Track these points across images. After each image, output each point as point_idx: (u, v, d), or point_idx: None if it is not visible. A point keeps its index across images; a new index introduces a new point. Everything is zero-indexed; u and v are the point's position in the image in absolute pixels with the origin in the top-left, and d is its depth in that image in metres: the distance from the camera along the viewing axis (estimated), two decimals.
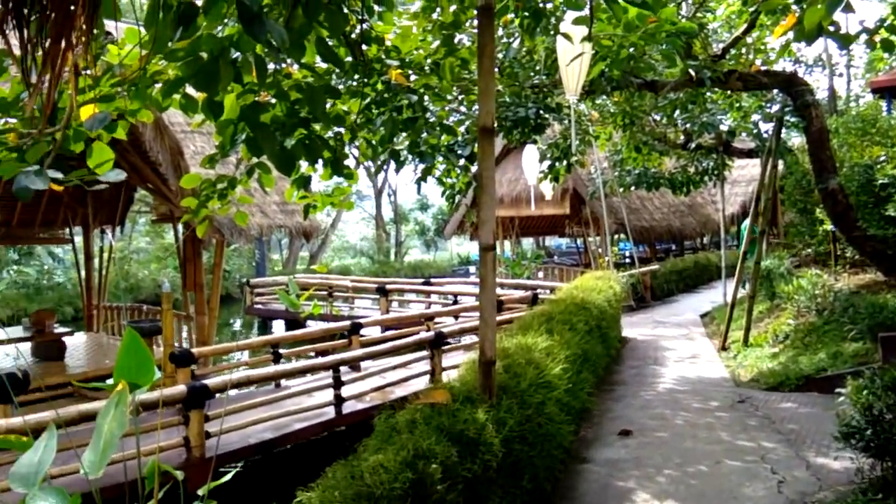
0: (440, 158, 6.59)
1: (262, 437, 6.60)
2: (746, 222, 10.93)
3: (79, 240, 13.36)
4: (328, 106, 3.84)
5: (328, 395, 7.26)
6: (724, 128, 11.22)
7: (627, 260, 22.52)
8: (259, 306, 17.85)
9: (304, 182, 4.25)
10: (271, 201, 11.36)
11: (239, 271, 27.76)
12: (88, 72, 2.42)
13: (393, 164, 5.02)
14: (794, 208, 12.29)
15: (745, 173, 23.33)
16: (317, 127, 3.62)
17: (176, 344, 9.77)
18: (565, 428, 4.91)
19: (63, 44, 1.43)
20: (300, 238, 12.44)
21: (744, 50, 9.16)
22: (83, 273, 12.78)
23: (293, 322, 16.66)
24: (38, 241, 14.96)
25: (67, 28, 1.42)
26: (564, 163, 9.55)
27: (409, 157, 5.74)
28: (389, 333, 10.64)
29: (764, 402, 7.12)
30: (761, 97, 11.04)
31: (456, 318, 11.44)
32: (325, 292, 15.98)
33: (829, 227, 10.60)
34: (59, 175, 2.14)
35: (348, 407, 7.36)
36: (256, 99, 3.18)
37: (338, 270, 29.45)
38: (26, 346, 9.89)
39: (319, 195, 4.93)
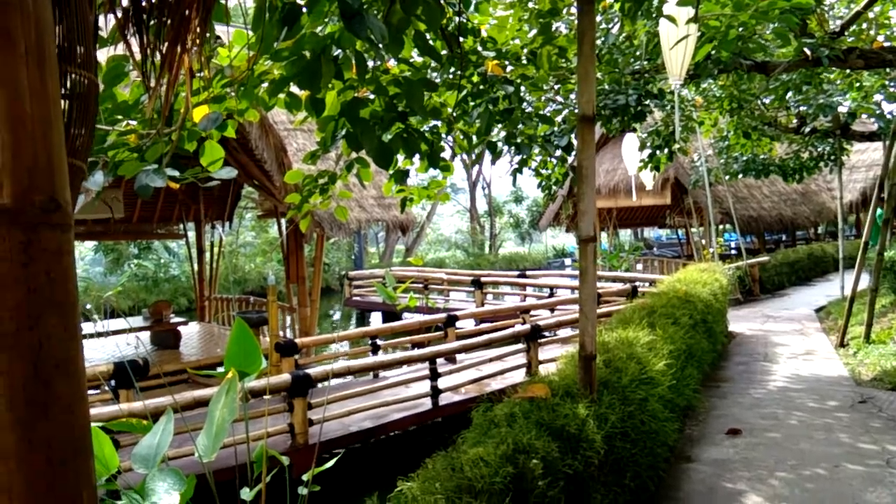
0: (536, 149, 6.50)
1: (361, 426, 6.78)
2: (878, 211, 10.16)
3: (192, 235, 14.15)
4: (425, 99, 3.85)
5: (425, 386, 7.35)
6: (842, 109, 10.44)
7: (733, 251, 21.55)
8: (357, 298, 18.30)
9: (401, 176, 4.30)
10: (369, 195, 11.60)
11: (338, 264, 28.57)
12: (201, 74, 2.53)
13: (488, 156, 5.00)
14: None
15: (866, 158, 21.78)
16: (414, 120, 3.64)
17: (280, 334, 10.19)
18: (669, 425, 4.74)
19: (179, 47, 1.50)
20: (396, 231, 12.66)
21: (865, 25, 8.49)
22: (196, 266, 13.51)
23: (390, 314, 16.99)
24: (156, 237, 15.96)
25: (183, 32, 1.48)
26: (666, 151, 9.20)
27: (505, 148, 5.69)
28: (485, 326, 10.67)
29: (888, 403, 6.61)
30: (885, 75, 10.19)
31: (552, 310, 11.31)
32: (420, 285, 16.17)
33: None
34: (176, 173, 2.26)
35: (444, 399, 7.43)
36: (356, 95, 3.23)
37: (433, 263, 29.78)
38: (145, 335, 10.60)
39: (416, 188, 4.97)
